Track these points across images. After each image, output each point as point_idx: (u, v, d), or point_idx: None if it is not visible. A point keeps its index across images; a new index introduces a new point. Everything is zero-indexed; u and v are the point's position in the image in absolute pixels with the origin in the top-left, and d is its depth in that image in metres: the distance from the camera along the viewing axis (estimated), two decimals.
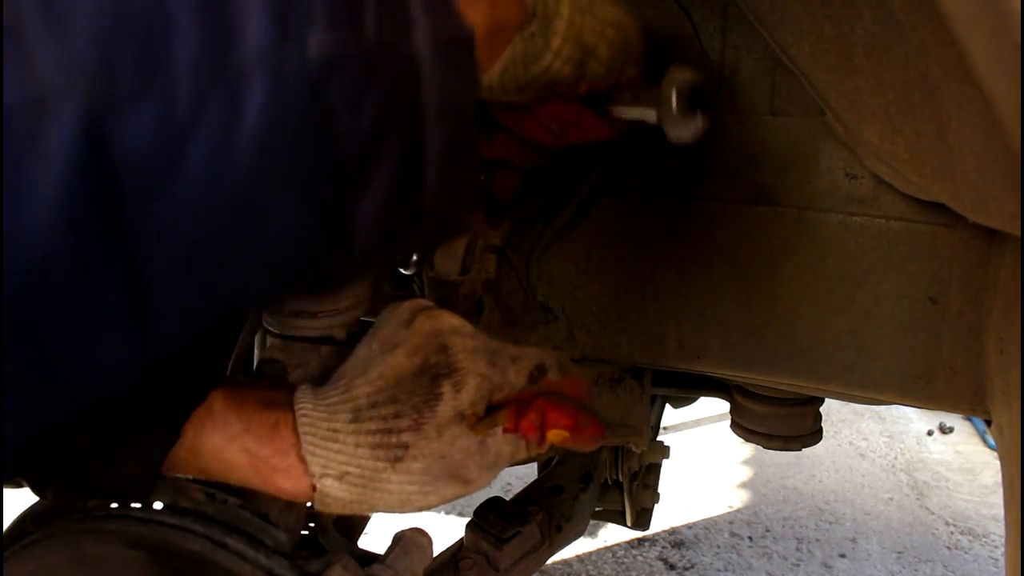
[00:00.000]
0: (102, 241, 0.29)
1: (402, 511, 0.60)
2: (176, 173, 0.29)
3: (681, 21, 0.79)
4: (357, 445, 0.55)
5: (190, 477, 0.58)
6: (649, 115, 0.62)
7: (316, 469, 0.55)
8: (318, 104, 0.32)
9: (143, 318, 0.31)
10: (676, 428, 3.13)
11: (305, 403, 0.55)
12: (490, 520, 0.92)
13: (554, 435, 0.58)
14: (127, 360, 0.32)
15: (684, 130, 0.62)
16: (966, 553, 2.49)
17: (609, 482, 1.30)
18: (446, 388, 0.56)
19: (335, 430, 0.55)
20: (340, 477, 0.55)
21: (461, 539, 0.95)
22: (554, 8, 0.54)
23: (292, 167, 0.32)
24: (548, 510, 1.01)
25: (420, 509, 0.59)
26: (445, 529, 0.69)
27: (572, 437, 0.59)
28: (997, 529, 2.58)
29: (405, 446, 0.56)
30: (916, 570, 2.40)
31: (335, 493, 0.56)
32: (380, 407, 0.56)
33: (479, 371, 0.57)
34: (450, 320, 0.59)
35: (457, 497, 0.60)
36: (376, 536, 0.92)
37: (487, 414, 0.58)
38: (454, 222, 0.45)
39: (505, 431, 0.58)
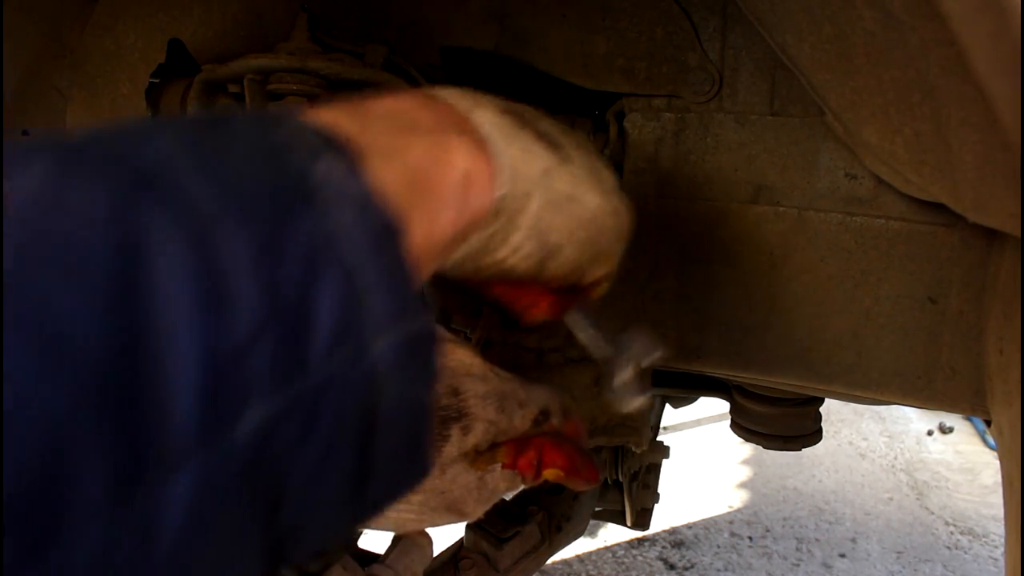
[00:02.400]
0: None
1: (395, 532, 0.61)
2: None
3: (681, 21, 0.79)
4: None
5: None
6: (597, 354, 0.59)
7: None
8: (251, 480, 0.29)
9: None
10: (676, 428, 3.13)
11: None
12: (490, 520, 0.92)
13: (550, 473, 0.60)
14: None
15: (625, 405, 0.58)
16: (966, 553, 2.49)
17: (609, 482, 1.30)
18: (454, 431, 0.57)
19: None
20: None
21: (461, 539, 0.95)
22: (521, 202, 0.48)
23: (224, 540, 0.29)
24: (548, 510, 1.01)
25: (413, 531, 0.60)
26: (445, 529, 0.69)
27: (567, 477, 0.60)
28: (997, 529, 2.58)
29: None
30: (916, 570, 2.40)
31: None
32: None
33: (488, 417, 0.58)
34: (463, 358, 0.59)
35: (451, 523, 0.61)
36: (376, 536, 0.92)
37: (487, 449, 0.59)
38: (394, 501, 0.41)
39: (503, 467, 0.59)
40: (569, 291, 0.58)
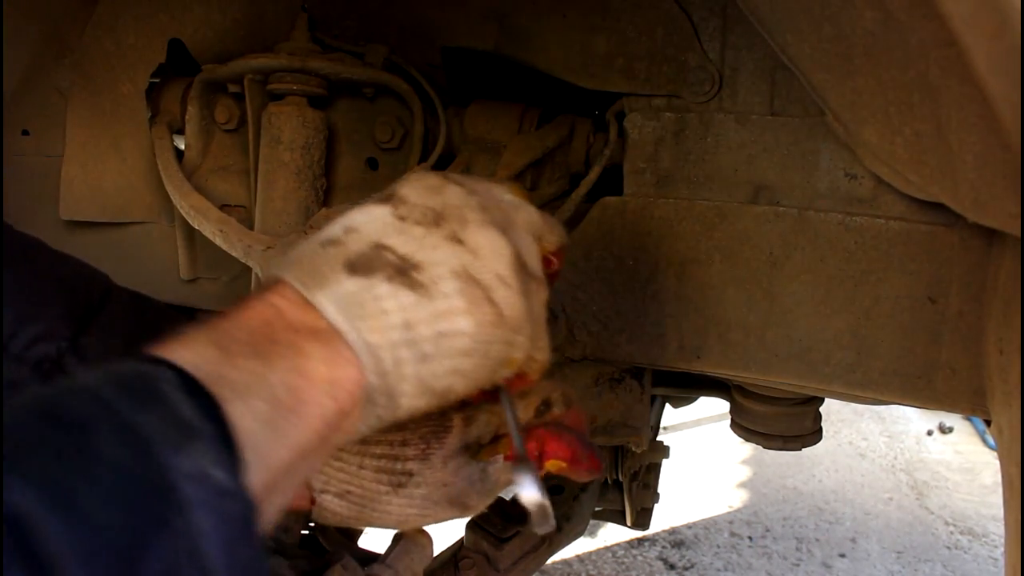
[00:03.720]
0: None
1: (398, 529, 0.60)
2: None
3: (681, 21, 0.79)
4: (360, 467, 0.56)
5: None
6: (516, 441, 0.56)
7: (317, 484, 0.56)
8: None
9: None
10: (676, 428, 3.13)
11: None
12: (490, 520, 0.92)
13: (552, 464, 0.59)
14: None
15: (540, 530, 0.55)
16: (966, 553, 2.49)
17: (609, 482, 1.30)
18: (456, 422, 0.57)
19: (340, 450, 0.55)
20: (341, 495, 0.56)
21: (461, 539, 0.95)
22: (394, 374, 0.48)
23: None
24: None
25: (417, 527, 0.60)
26: (445, 529, 0.69)
27: (569, 468, 0.59)
28: (997, 529, 2.58)
29: (409, 473, 0.56)
30: (916, 570, 2.40)
31: (334, 508, 0.56)
32: (388, 433, 0.56)
33: (490, 407, 0.57)
34: None
35: (453, 518, 0.60)
36: (376, 536, 0.92)
37: (489, 442, 0.59)
38: None
39: (505, 459, 0.58)
40: (495, 388, 0.55)
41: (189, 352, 0.41)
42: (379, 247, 0.49)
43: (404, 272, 0.49)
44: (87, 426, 0.34)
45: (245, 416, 0.40)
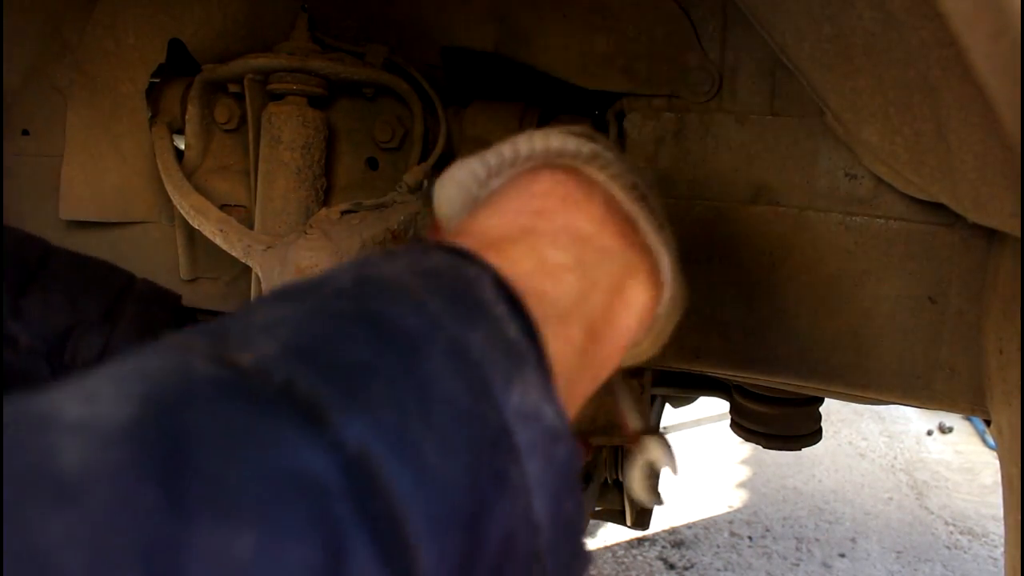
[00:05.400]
0: None
1: None
2: None
3: (681, 21, 0.79)
4: None
5: None
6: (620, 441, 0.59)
7: None
8: None
9: None
10: (676, 428, 3.13)
11: None
12: None
13: None
14: None
15: (643, 502, 0.58)
16: (965, 553, 2.49)
17: (609, 482, 1.30)
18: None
19: None
20: None
21: None
22: (663, 314, 0.48)
23: None
24: None
25: None
26: None
27: None
28: (996, 529, 2.58)
29: None
30: (916, 570, 2.40)
31: None
32: None
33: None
34: None
35: None
36: None
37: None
38: None
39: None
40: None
41: (505, 258, 0.36)
42: (638, 187, 0.47)
43: (661, 225, 0.48)
44: (419, 347, 0.28)
45: (562, 342, 0.35)
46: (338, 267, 0.32)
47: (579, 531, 0.33)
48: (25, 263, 0.65)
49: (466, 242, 0.36)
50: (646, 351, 0.50)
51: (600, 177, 0.44)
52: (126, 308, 0.63)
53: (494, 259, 0.35)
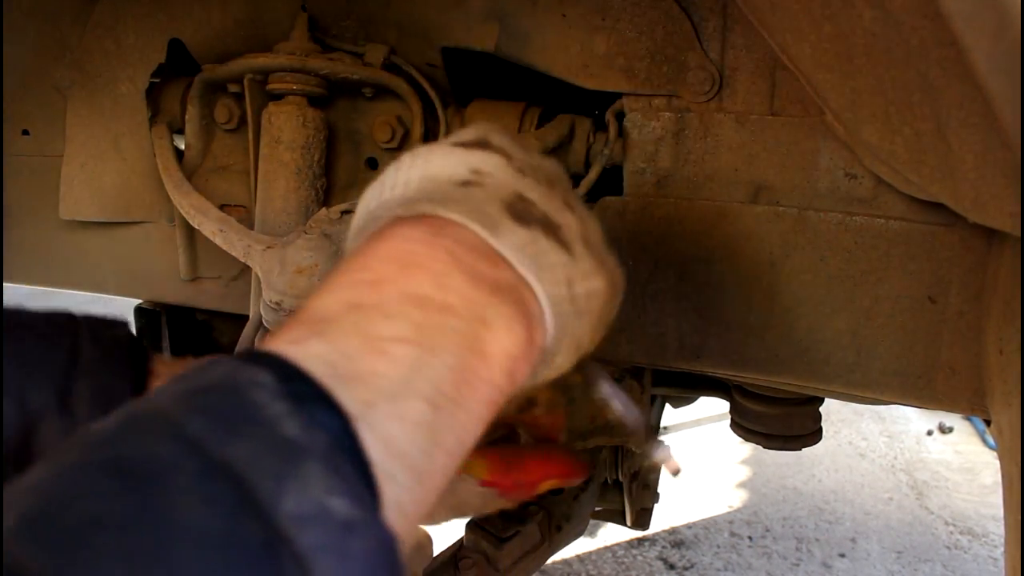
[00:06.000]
0: None
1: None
2: None
3: (681, 21, 0.79)
4: None
5: None
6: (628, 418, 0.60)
7: None
8: None
9: None
10: (676, 428, 3.13)
11: None
12: (490, 520, 0.92)
13: (547, 484, 0.58)
14: None
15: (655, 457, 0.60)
16: (965, 553, 2.49)
17: (609, 482, 1.30)
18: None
19: None
20: None
21: (461, 539, 0.95)
22: (560, 335, 0.45)
23: None
24: (548, 510, 1.01)
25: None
26: (445, 529, 0.69)
27: (564, 482, 0.58)
28: (996, 529, 2.58)
29: None
30: (916, 570, 2.40)
31: None
32: None
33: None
34: None
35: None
36: None
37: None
38: None
39: (483, 483, 0.55)
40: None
41: (327, 340, 0.34)
42: (523, 199, 0.44)
43: (553, 230, 0.45)
44: (165, 482, 0.27)
45: (396, 421, 0.33)
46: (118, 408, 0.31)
47: None
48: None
49: (295, 328, 0.35)
50: (563, 363, 0.47)
51: (454, 216, 0.42)
52: (79, 387, 0.59)
53: (314, 343, 0.33)
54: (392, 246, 0.40)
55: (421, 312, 0.37)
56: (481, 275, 0.39)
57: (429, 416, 0.34)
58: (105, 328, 0.64)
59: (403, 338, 0.35)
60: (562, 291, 0.44)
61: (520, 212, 0.44)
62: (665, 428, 2.94)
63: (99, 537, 0.25)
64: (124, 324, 0.70)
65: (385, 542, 0.30)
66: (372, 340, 0.35)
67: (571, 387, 0.61)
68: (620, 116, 0.85)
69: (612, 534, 2.48)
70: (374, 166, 0.99)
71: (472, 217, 0.41)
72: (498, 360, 0.38)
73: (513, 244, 0.42)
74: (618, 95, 0.85)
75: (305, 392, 0.31)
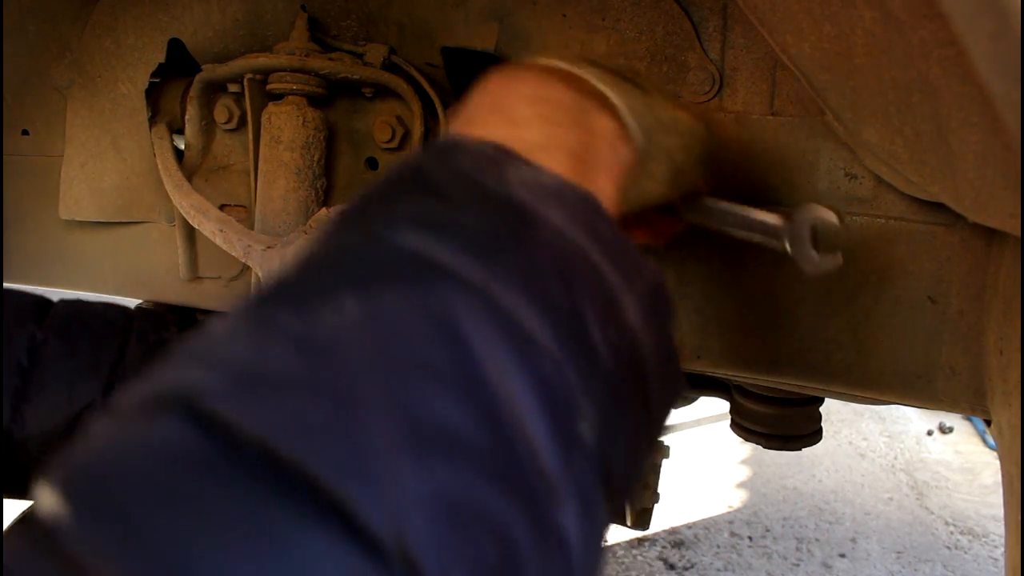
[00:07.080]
0: None
1: None
2: None
3: (681, 21, 0.79)
4: None
5: None
6: (775, 245, 0.65)
7: None
8: (599, 468, 0.34)
9: None
10: (676, 428, 3.13)
11: None
12: None
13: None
14: None
15: (820, 266, 0.64)
16: (966, 553, 2.49)
17: None
18: None
19: None
20: None
21: None
22: (649, 137, 0.53)
23: (597, 525, 0.36)
24: None
25: None
26: None
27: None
28: (997, 529, 2.58)
29: None
30: (916, 570, 2.40)
31: None
32: None
33: None
34: None
35: None
36: None
37: None
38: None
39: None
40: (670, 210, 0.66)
41: (480, 130, 0.45)
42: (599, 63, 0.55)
43: (624, 77, 0.55)
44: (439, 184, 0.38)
45: (552, 164, 0.42)
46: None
47: (620, 240, 0.40)
48: (16, 358, 0.68)
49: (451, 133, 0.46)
50: (662, 177, 0.56)
51: (538, 60, 0.54)
52: (123, 383, 0.68)
53: (475, 131, 0.44)
54: (486, 87, 0.52)
55: (540, 105, 0.48)
56: (580, 90, 0.50)
57: (574, 166, 0.44)
58: (153, 330, 0.74)
59: (533, 118, 0.46)
60: (642, 107, 0.53)
61: (598, 69, 0.54)
62: (665, 428, 2.94)
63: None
64: (172, 325, 0.76)
65: (588, 195, 0.40)
66: (513, 119, 0.46)
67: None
68: None
69: (612, 534, 2.48)
70: (374, 166, 0.99)
71: (553, 60, 0.53)
72: (606, 135, 0.49)
73: (592, 73, 0.52)
74: None
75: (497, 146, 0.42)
